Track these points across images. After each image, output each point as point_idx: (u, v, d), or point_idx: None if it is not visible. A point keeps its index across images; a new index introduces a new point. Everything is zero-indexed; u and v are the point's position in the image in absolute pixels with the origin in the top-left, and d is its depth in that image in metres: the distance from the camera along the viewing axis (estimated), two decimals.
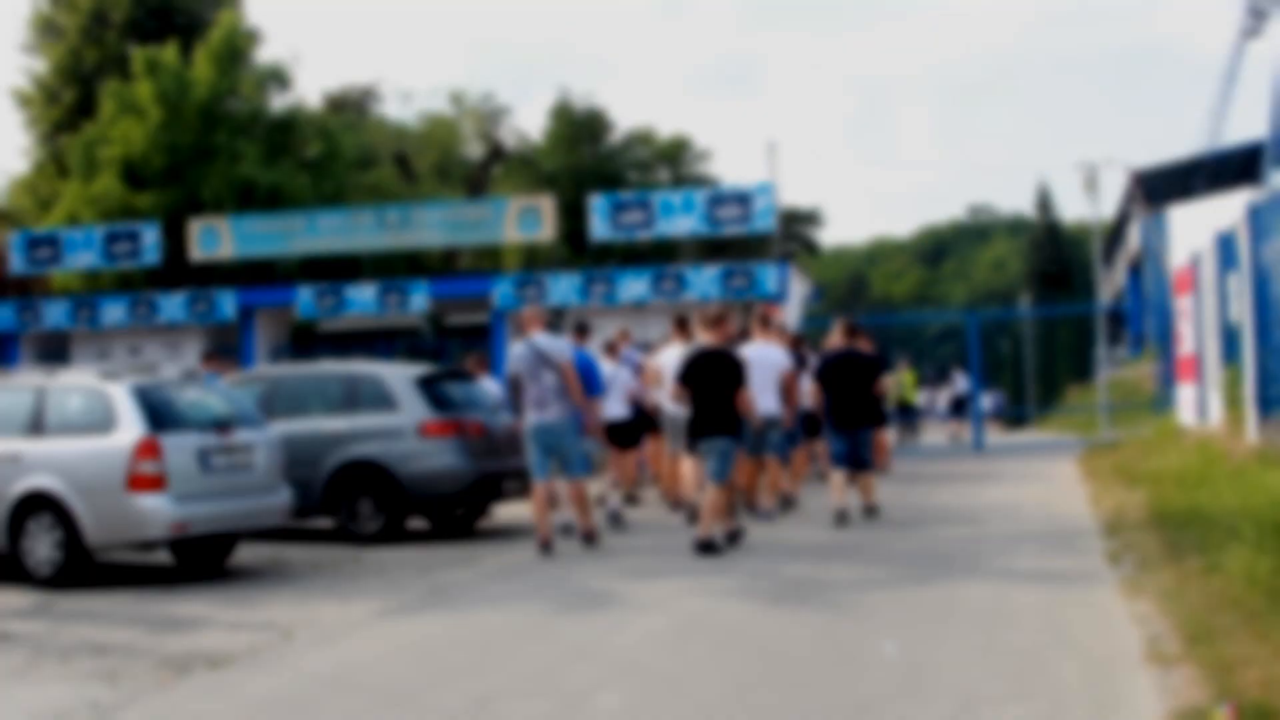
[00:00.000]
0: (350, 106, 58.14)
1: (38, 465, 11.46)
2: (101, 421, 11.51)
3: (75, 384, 11.94)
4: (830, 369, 14.41)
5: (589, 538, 12.78)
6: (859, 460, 14.13)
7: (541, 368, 12.58)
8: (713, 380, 12.10)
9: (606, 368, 17.63)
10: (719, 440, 12.08)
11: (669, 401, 15.48)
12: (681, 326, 15.83)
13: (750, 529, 13.86)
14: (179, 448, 11.49)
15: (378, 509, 14.21)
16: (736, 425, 12.21)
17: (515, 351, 12.90)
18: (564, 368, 12.62)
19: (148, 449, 11.29)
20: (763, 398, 13.66)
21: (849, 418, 14.12)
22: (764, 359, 14.13)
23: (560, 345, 12.93)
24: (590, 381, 13.95)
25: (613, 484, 15.69)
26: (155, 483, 11.28)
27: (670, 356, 15.75)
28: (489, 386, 16.65)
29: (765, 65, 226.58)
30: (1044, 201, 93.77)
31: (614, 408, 17.15)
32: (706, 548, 11.82)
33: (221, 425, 12.07)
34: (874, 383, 14.31)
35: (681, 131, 70.05)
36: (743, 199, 24.20)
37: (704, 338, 12.55)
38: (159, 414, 11.63)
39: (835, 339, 14.53)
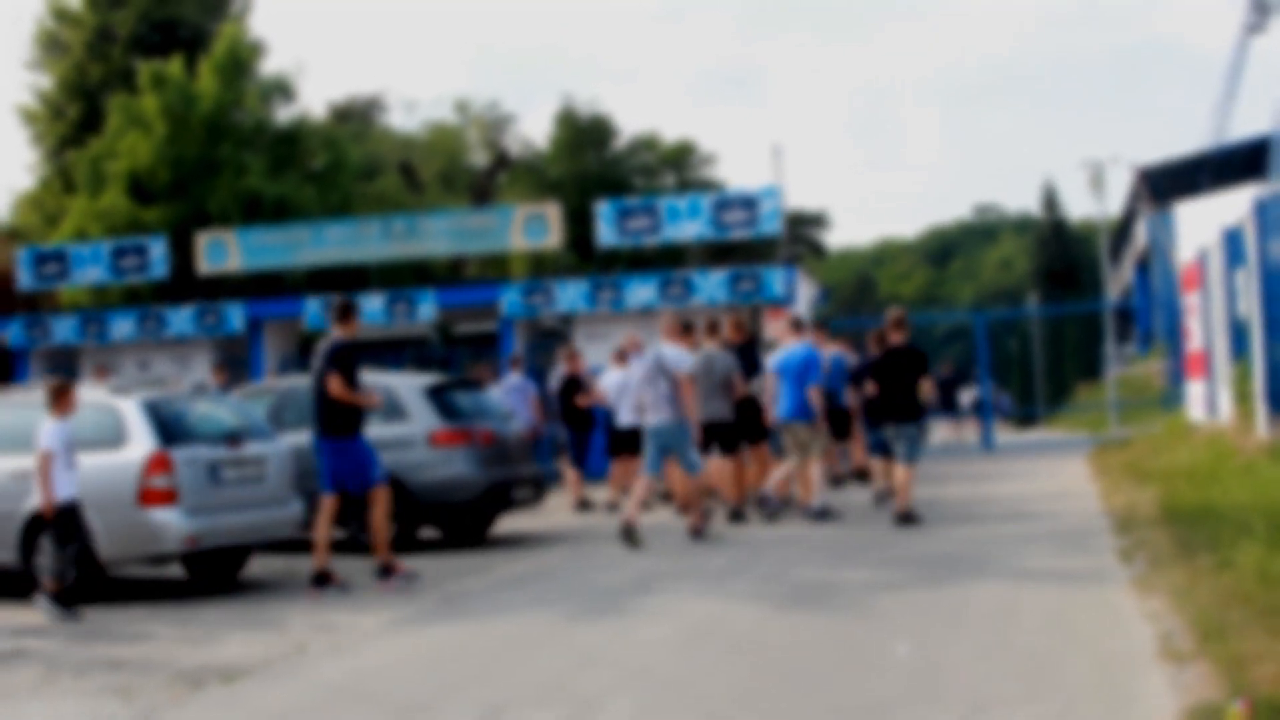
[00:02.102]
0: (355, 117, 58.22)
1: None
2: (112, 437, 11.54)
3: (85, 399, 11.94)
4: (883, 363, 14.62)
5: (696, 533, 13.52)
6: (903, 452, 14.11)
7: (659, 375, 13.60)
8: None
9: (615, 375, 17.69)
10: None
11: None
12: (685, 330, 15.99)
13: (760, 532, 13.88)
14: (190, 461, 11.51)
15: (388, 519, 14.19)
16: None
17: (640, 361, 14.21)
18: (679, 378, 13.64)
19: (159, 463, 11.31)
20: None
21: (898, 410, 14.27)
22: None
23: (680, 356, 14.04)
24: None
25: (620, 491, 15.79)
26: (167, 497, 11.31)
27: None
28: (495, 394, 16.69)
29: (769, 69, 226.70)
30: (1050, 200, 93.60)
31: (624, 415, 17.18)
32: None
33: (232, 438, 12.10)
34: (922, 377, 14.33)
35: (686, 136, 70.19)
36: (749, 203, 24.20)
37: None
38: (169, 428, 11.65)
39: (889, 333, 14.62)
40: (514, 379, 19.72)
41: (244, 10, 43.69)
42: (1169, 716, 5.81)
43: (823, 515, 14.57)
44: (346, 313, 11.86)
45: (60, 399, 10.99)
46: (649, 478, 14.07)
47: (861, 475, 19.19)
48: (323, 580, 11.43)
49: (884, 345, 14.90)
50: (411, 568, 12.00)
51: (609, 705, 6.78)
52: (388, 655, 8.56)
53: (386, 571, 11.59)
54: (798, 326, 15.51)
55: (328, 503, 11.52)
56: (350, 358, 11.55)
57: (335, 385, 11.29)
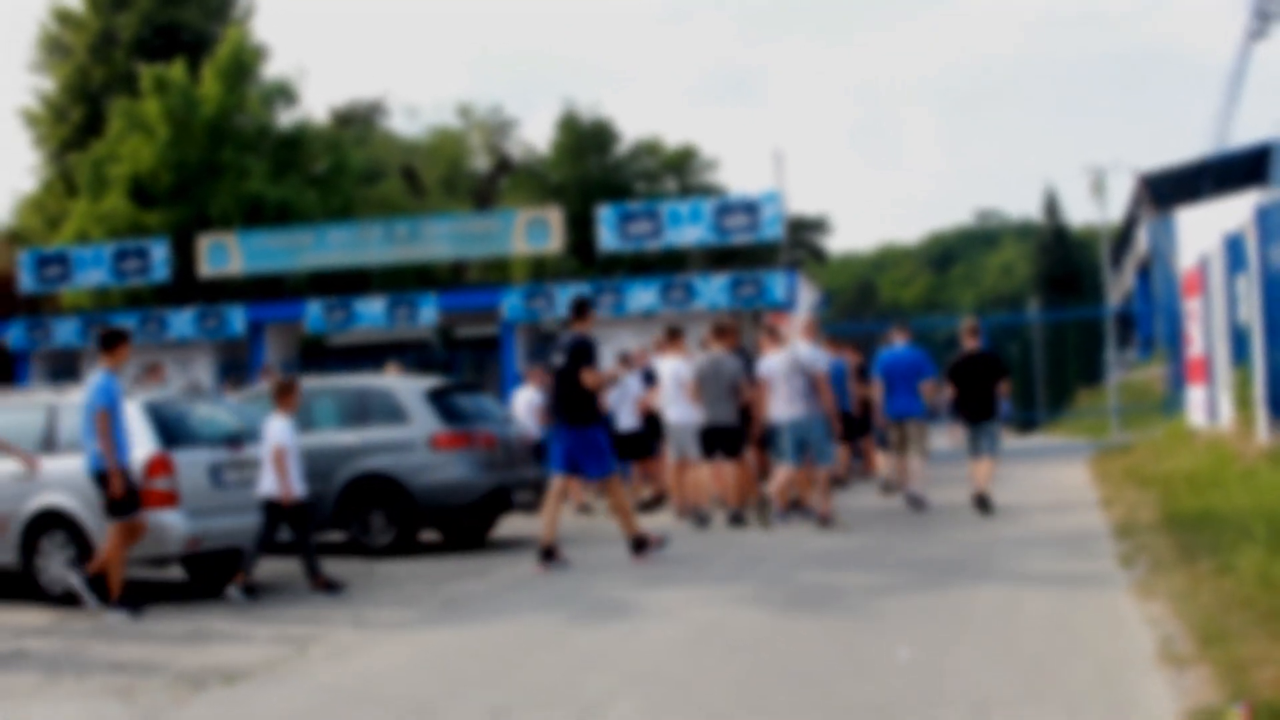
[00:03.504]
0: (357, 121, 58.27)
1: (50, 483, 11.50)
2: None
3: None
4: (961, 367, 15.58)
5: (824, 520, 14.25)
6: (985, 448, 15.32)
7: (795, 373, 14.45)
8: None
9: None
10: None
11: (672, 410, 15.71)
12: (674, 337, 16.26)
13: (761, 535, 13.89)
14: (191, 463, 11.53)
15: (390, 522, 14.23)
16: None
17: (779, 358, 14.78)
18: (817, 375, 14.52)
19: (159, 466, 11.32)
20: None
21: (977, 411, 15.38)
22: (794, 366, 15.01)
23: (816, 355, 14.86)
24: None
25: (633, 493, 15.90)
26: (167, 499, 11.31)
27: (668, 367, 16.00)
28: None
29: (770, 74, 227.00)
30: (1051, 206, 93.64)
31: (625, 419, 17.20)
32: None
33: (233, 440, 12.11)
34: (999, 380, 15.43)
35: (688, 141, 70.26)
36: (750, 208, 24.24)
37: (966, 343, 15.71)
38: (170, 430, 11.66)
39: (964, 339, 15.71)
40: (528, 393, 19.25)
41: (247, 14, 43.79)
42: None
43: (916, 503, 15.72)
44: (585, 310, 12.66)
45: (286, 396, 11.73)
46: (790, 469, 14.67)
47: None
48: (549, 555, 12.17)
49: (960, 351, 15.83)
50: (661, 536, 12.82)
51: (612, 708, 6.78)
52: (390, 658, 8.56)
53: (640, 545, 12.37)
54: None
55: (559, 483, 12.43)
56: (594, 351, 12.45)
57: (591, 377, 12.20)
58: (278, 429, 11.52)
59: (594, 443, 12.28)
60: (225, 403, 13.96)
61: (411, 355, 27.18)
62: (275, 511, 11.51)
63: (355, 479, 14.36)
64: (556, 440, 12.42)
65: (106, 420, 10.70)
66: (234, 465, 11.97)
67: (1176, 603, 8.13)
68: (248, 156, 35.58)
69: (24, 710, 7.58)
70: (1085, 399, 51.39)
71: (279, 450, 11.44)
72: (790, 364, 14.59)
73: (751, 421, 15.58)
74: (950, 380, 15.78)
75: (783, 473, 14.73)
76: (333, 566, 13.41)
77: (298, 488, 11.53)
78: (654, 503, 17.72)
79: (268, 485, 11.51)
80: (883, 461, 18.48)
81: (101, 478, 10.78)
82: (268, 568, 13.52)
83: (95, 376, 10.98)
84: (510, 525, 16.53)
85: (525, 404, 18.51)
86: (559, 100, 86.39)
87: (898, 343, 16.43)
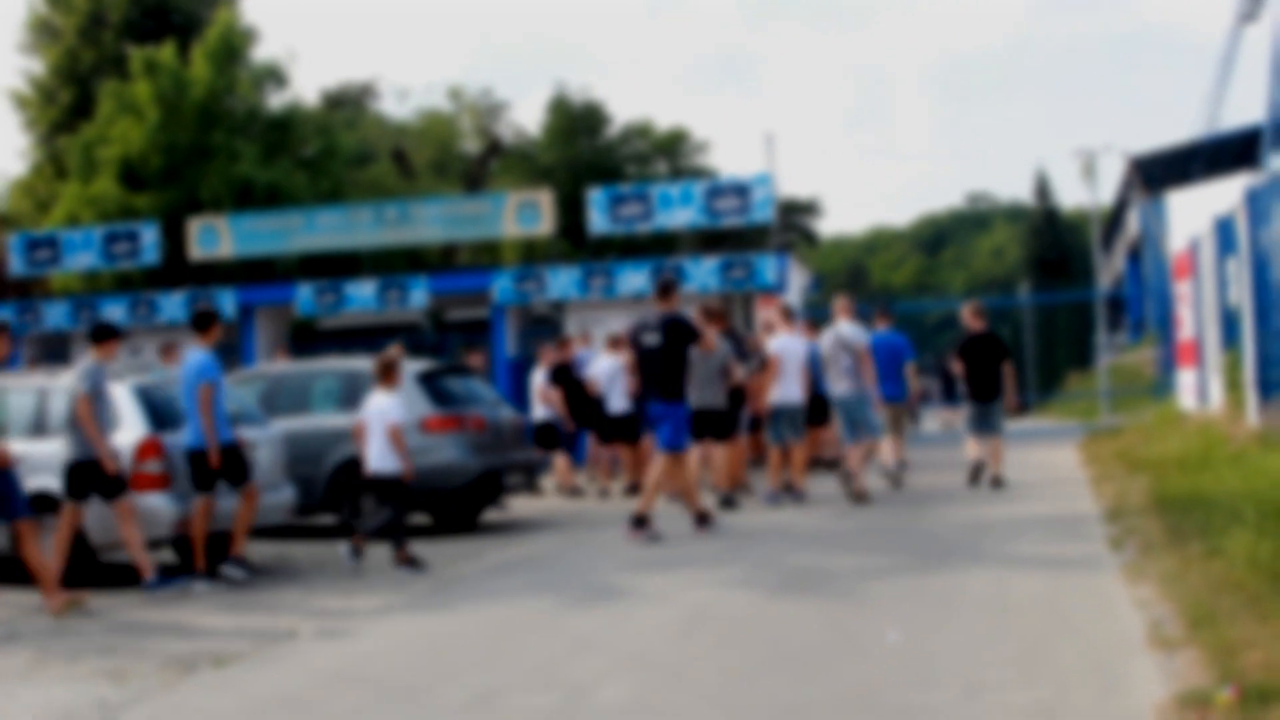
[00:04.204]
0: (347, 104, 58.08)
1: (41, 466, 11.45)
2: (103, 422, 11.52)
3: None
4: (971, 347, 16.18)
5: (860, 497, 14.76)
6: (990, 426, 15.89)
7: (841, 351, 15.05)
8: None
9: (608, 362, 17.71)
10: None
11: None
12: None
13: (752, 518, 13.90)
14: (181, 446, 11.51)
15: (380, 505, 14.20)
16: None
17: (824, 338, 15.58)
18: (860, 352, 15.09)
19: (150, 449, 11.31)
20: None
21: (983, 390, 15.97)
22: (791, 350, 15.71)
23: (858, 333, 15.34)
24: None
25: (608, 477, 15.86)
26: (158, 482, 11.32)
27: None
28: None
29: (763, 56, 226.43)
30: (1042, 189, 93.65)
31: (615, 403, 17.20)
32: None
33: None
34: (1004, 361, 16.01)
35: (679, 124, 70.05)
36: (741, 190, 24.19)
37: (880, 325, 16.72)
38: (161, 413, 11.65)
39: (969, 322, 16.33)
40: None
41: None
42: (1159, 702, 5.83)
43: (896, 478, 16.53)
44: (670, 289, 13.10)
45: (389, 373, 12.00)
46: (851, 445, 15.20)
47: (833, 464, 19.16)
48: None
49: (965, 332, 16.47)
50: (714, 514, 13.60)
51: (602, 690, 6.79)
52: (380, 641, 8.57)
53: (703, 519, 13.02)
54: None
55: (693, 456, 13.64)
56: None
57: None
58: (388, 406, 11.79)
59: (680, 417, 12.79)
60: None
61: (402, 338, 27.15)
62: (394, 488, 11.79)
63: (346, 462, 14.34)
64: (660, 415, 12.82)
65: (209, 395, 11.16)
66: None
67: (1166, 585, 8.15)
68: (238, 139, 35.43)
69: (14, 692, 7.57)
70: (1076, 382, 51.54)
71: (395, 428, 11.71)
72: (836, 343, 15.17)
73: (742, 405, 15.60)
74: (959, 359, 16.36)
75: (853, 453, 15.11)
76: (324, 550, 13.44)
77: (402, 462, 11.77)
78: (637, 488, 17.68)
79: (380, 462, 11.74)
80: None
81: (198, 454, 11.16)
82: (252, 551, 13.52)
83: (189, 354, 11.55)
84: (514, 507, 16.53)
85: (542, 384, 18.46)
86: (550, 83, 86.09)
87: (879, 328, 16.87)
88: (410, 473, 11.79)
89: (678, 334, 12.73)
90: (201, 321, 11.78)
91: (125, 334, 11.85)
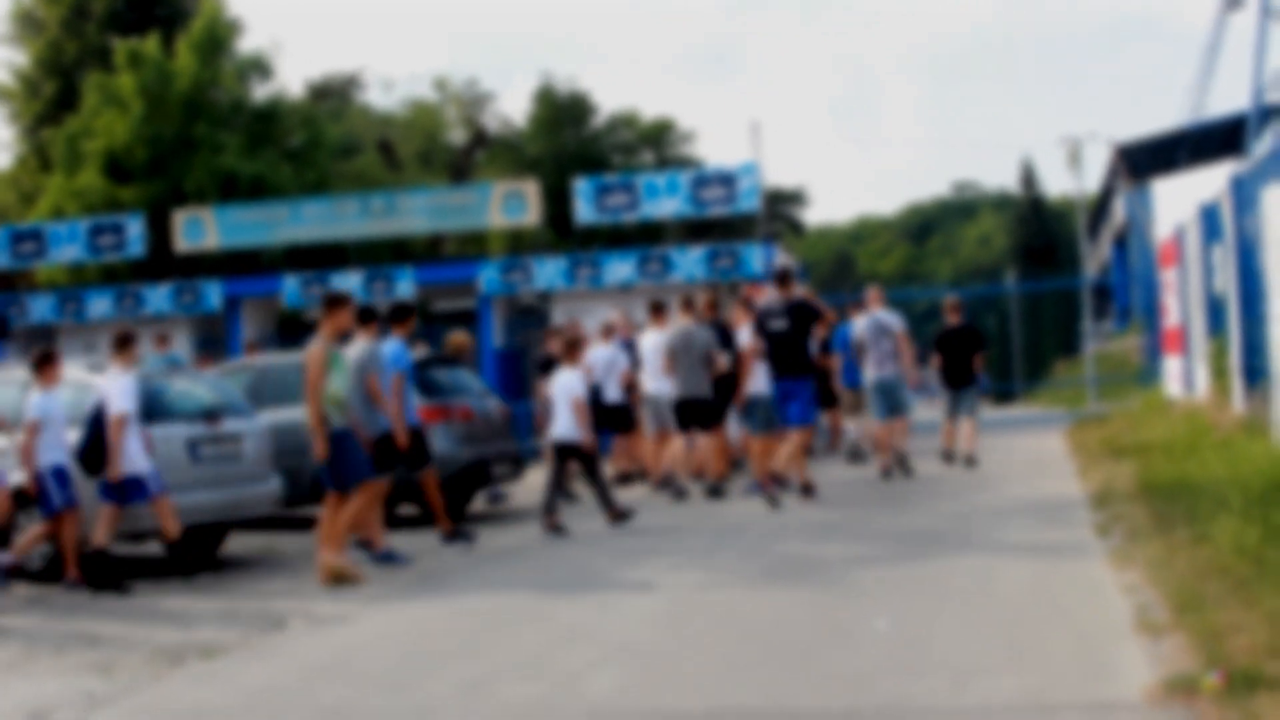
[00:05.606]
0: (333, 95, 57.93)
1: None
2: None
3: (64, 378, 11.88)
4: (947, 339, 17.05)
5: (886, 473, 15.68)
6: (965, 409, 16.90)
7: (881, 336, 16.05)
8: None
9: (602, 351, 17.66)
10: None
11: (650, 383, 15.80)
12: (657, 311, 16.34)
13: (741, 508, 13.91)
14: (168, 438, 11.50)
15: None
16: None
17: (860, 323, 16.79)
18: (899, 336, 16.18)
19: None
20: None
21: (957, 378, 16.91)
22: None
23: (894, 319, 16.34)
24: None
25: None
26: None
27: (649, 341, 16.07)
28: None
29: (748, 46, 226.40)
30: (1028, 177, 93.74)
31: (611, 391, 17.17)
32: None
33: (210, 415, 12.09)
34: (977, 352, 16.92)
35: (665, 114, 70.13)
36: (727, 180, 24.18)
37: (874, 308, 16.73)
38: (147, 405, 11.61)
39: (947, 315, 17.15)
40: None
41: None
42: (1146, 687, 5.84)
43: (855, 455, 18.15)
44: (788, 278, 14.22)
45: (573, 351, 13.31)
46: (883, 424, 16.05)
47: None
48: (808, 490, 14.03)
49: (943, 325, 17.26)
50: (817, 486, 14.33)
51: (591, 679, 6.79)
52: (368, 632, 8.57)
53: (809, 490, 14.01)
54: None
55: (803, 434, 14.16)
56: (820, 309, 14.42)
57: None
58: (573, 381, 13.03)
59: (807, 393, 13.93)
60: (203, 377, 13.90)
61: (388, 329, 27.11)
62: (569, 453, 13.01)
63: None
64: (790, 393, 13.85)
65: (401, 383, 12.12)
66: (211, 440, 11.95)
67: (1153, 571, 8.17)
68: (223, 131, 35.32)
69: (2, 684, 7.57)
70: (1062, 370, 51.58)
71: (579, 401, 12.88)
72: (876, 328, 16.11)
73: (729, 395, 15.57)
74: (936, 350, 17.18)
75: (882, 432, 16.02)
76: (311, 541, 13.41)
77: (583, 434, 12.89)
78: (627, 477, 17.69)
79: (567, 431, 12.88)
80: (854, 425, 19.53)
81: (387, 439, 11.82)
82: (239, 542, 13.51)
83: (387, 344, 12.36)
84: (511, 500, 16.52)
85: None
86: (536, 73, 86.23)
87: (863, 314, 17.21)
88: (592, 445, 13.00)
89: (803, 316, 13.89)
90: (399, 313, 12.78)
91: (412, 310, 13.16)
